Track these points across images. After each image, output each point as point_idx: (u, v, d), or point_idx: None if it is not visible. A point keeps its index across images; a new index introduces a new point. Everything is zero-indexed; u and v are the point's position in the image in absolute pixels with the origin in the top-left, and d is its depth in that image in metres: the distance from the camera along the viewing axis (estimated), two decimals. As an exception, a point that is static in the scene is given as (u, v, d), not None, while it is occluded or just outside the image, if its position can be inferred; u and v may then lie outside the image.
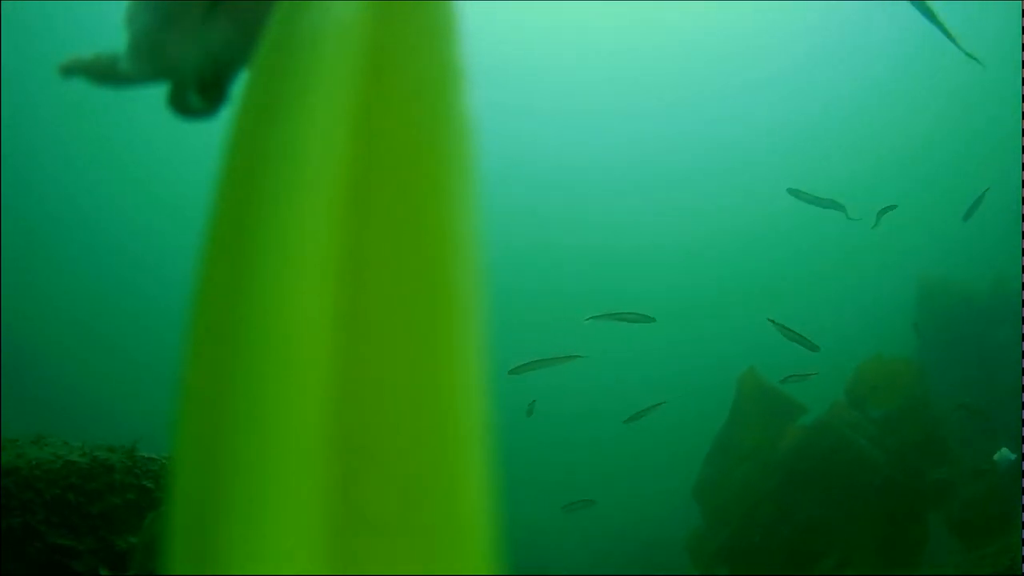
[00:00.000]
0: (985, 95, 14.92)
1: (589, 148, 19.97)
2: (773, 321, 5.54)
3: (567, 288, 18.57)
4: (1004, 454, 5.06)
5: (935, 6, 4.27)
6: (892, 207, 6.11)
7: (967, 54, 4.80)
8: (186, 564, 0.40)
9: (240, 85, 0.81)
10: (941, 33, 4.47)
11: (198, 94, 0.91)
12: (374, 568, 0.40)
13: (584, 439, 13.53)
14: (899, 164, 17.67)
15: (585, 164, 20.03)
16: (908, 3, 4.28)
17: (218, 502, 0.39)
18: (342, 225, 0.46)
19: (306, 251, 0.44)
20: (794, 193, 6.23)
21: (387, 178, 0.48)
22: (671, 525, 7.72)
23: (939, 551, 5.17)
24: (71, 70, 1.01)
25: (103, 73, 0.96)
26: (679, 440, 6.18)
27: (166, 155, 17.67)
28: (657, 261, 19.47)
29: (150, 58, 0.88)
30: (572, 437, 13.75)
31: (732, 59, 18.16)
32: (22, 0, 14.58)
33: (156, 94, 0.94)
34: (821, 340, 5.66)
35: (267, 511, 0.38)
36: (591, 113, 19.66)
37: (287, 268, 0.43)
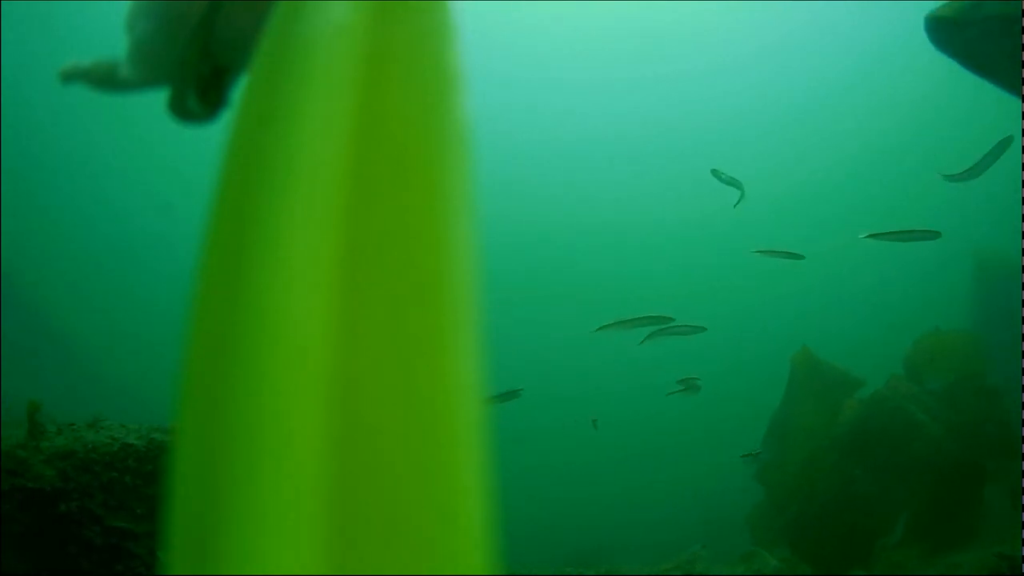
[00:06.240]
0: None
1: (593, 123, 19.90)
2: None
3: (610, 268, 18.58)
4: None
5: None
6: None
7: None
8: (187, 564, 0.41)
9: (239, 89, 0.81)
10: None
11: (198, 99, 0.94)
12: (373, 568, 0.41)
13: (638, 419, 13.47)
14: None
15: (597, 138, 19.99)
16: None
17: (218, 502, 0.40)
18: (340, 227, 0.47)
19: (305, 252, 0.45)
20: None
21: (385, 180, 0.49)
22: (731, 503, 7.67)
23: (1002, 525, 5.06)
24: (71, 76, 1.04)
25: (103, 79, 1.01)
26: (736, 417, 6.12)
27: (166, 157, 17.79)
28: (704, 237, 19.29)
29: (151, 63, 0.91)
30: (628, 418, 13.69)
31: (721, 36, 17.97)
32: (22, 0, 14.71)
33: (156, 98, 0.96)
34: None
35: (267, 512, 0.39)
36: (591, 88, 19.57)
37: (286, 269, 0.44)
